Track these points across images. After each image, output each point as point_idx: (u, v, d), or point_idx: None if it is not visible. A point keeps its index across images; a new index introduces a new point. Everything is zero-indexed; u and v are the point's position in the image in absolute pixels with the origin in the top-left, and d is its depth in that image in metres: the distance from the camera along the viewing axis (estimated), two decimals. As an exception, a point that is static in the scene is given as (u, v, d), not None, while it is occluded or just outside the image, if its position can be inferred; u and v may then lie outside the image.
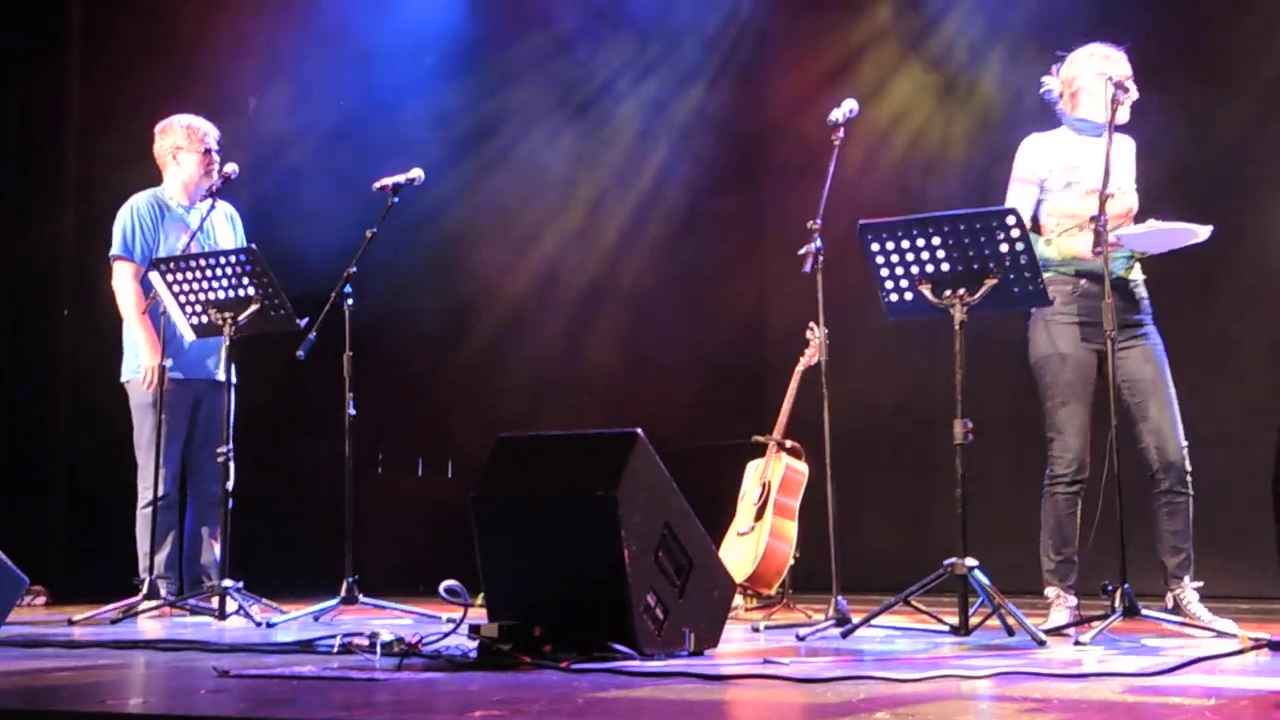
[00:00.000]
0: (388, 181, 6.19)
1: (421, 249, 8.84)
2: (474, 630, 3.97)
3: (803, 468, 6.84)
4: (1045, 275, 5.32)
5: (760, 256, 9.01)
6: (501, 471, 4.45)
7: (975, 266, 5.03)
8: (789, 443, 6.87)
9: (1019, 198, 5.50)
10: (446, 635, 4.09)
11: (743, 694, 3.33)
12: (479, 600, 4.48)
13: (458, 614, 4.20)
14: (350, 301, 6.02)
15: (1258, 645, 4.47)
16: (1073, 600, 5.35)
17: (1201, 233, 5.25)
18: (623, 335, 9.18)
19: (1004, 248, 4.97)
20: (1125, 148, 5.57)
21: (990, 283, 5.03)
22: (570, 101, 9.26)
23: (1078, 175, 5.44)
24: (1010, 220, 4.97)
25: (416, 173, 6.23)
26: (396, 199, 6.17)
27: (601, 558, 4.09)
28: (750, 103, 9.43)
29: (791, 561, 6.73)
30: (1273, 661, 4.03)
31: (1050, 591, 5.42)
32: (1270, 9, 8.07)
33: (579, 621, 4.08)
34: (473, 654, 3.92)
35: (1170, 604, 5.34)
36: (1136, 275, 5.53)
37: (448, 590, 4.18)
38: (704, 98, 9.19)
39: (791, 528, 6.76)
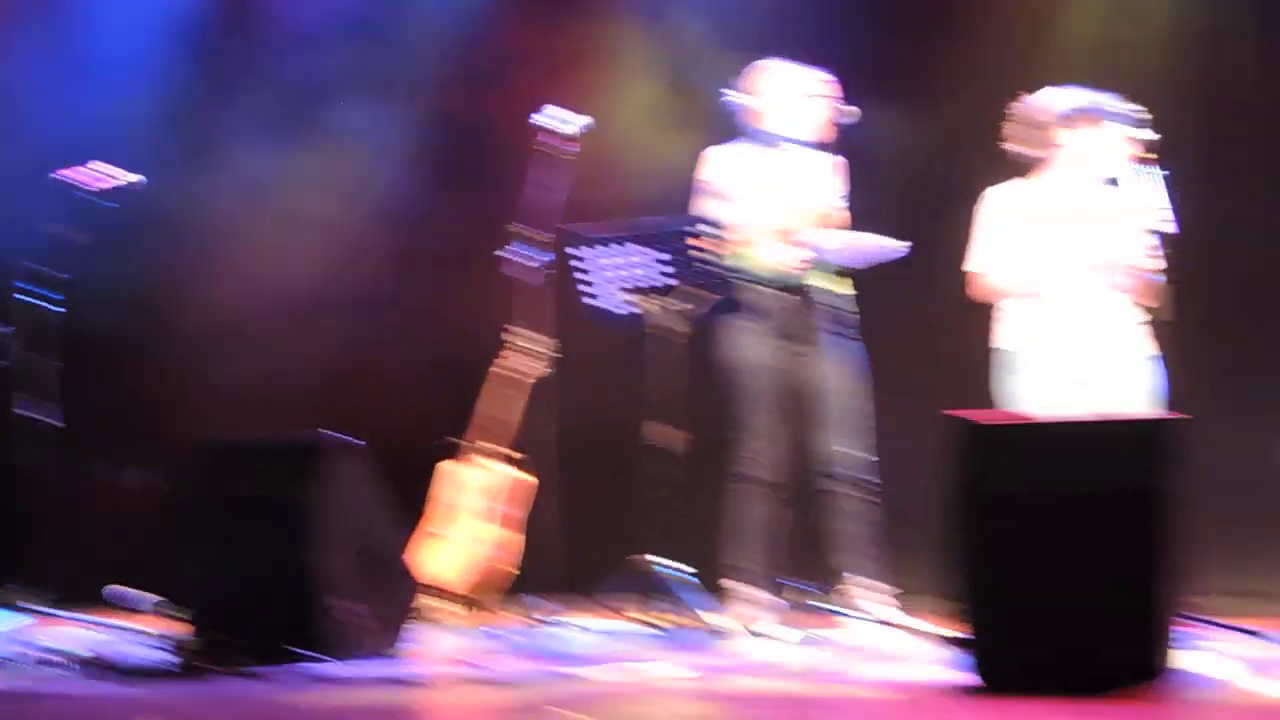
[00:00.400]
0: (92, 178, 5.87)
1: (140, 255, 8.55)
2: (171, 641, 3.88)
3: (527, 478, 6.83)
4: (742, 285, 5.47)
5: (487, 264, 8.94)
6: (203, 476, 4.34)
7: (675, 274, 5.12)
8: (512, 453, 6.86)
9: (711, 208, 5.61)
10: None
11: (435, 696, 3.32)
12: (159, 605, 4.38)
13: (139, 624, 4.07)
14: (60, 309, 5.77)
15: (941, 639, 4.67)
16: (759, 596, 5.41)
17: (898, 248, 5.39)
18: (349, 341, 9.02)
19: (700, 257, 5.08)
20: (826, 163, 5.70)
21: (689, 290, 5.13)
22: (299, 105, 9.08)
23: (771, 188, 5.54)
24: (704, 230, 5.08)
25: (134, 177, 5.96)
26: (114, 204, 5.92)
27: (294, 562, 4.02)
28: (483, 112, 9.39)
29: (514, 571, 6.71)
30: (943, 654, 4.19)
31: (734, 586, 5.52)
32: (970, 32, 8.48)
33: (273, 627, 3.99)
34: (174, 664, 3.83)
35: (851, 601, 5.52)
36: (834, 286, 5.65)
37: (111, 595, 4.06)
38: (435, 104, 9.14)
39: (515, 539, 6.75)
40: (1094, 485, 3.34)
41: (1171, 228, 4.95)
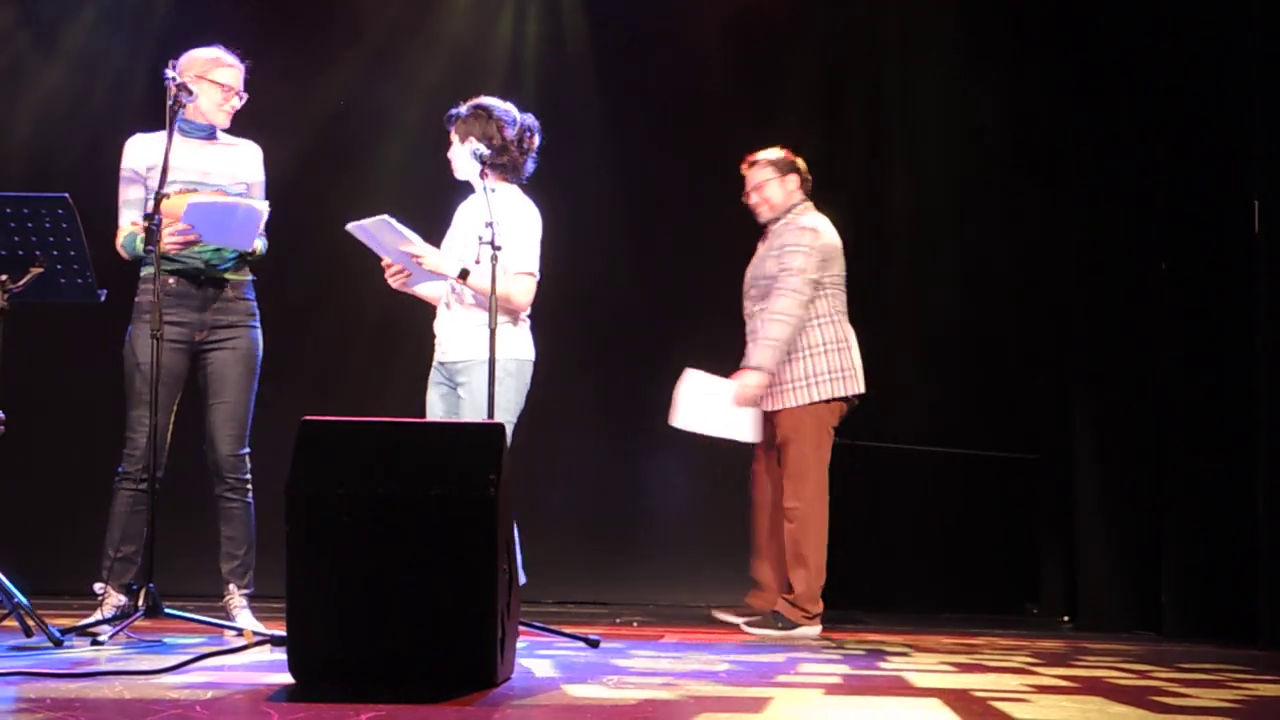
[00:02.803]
0: None
1: None
2: None
3: None
4: (146, 272, 5.37)
5: None
6: None
7: (20, 252, 4.94)
8: None
9: (127, 194, 5.49)
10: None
11: None
12: None
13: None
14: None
15: (262, 641, 4.73)
16: (122, 599, 5.32)
17: (259, 209, 5.35)
18: None
19: (52, 237, 4.92)
20: (242, 152, 5.67)
21: (35, 271, 4.96)
22: None
23: (176, 175, 5.39)
24: (61, 210, 4.92)
25: None
26: None
27: None
28: None
29: None
30: (276, 656, 4.24)
31: (100, 588, 5.38)
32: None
33: None
34: None
35: (227, 606, 5.50)
36: (239, 276, 5.61)
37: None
38: None
39: None
40: (424, 488, 3.40)
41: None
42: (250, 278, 5.65)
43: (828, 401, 6.46)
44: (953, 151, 9.03)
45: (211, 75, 5.58)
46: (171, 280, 5.40)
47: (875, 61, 9.15)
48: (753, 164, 6.66)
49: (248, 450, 5.58)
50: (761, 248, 6.64)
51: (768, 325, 6.34)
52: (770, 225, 6.63)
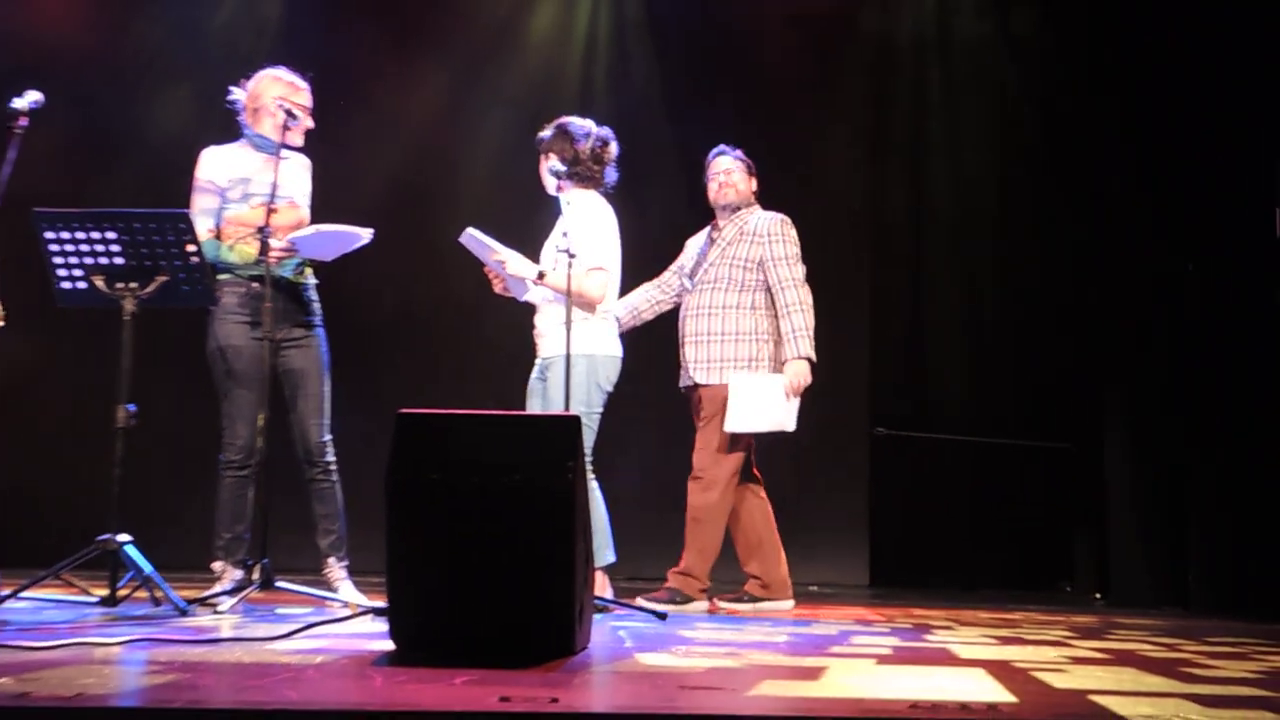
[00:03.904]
0: None
1: None
2: None
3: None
4: (223, 277, 5.45)
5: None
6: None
7: (147, 263, 5.02)
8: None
9: (200, 204, 5.56)
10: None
11: None
12: None
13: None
14: None
15: (364, 612, 4.79)
16: (239, 573, 5.41)
17: (365, 234, 5.43)
18: None
19: (175, 249, 5.01)
20: (298, 166, 5.75)
21: (161, 279, 5.05)
22: None
23: (252, 187, 5.55)
24: (183, 225, 5.01)
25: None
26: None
27: None
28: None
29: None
30: (378, 625, 4.28)
31: (217, 565, 5.48)
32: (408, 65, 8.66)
33: None
34: None
35: (327, 579, 5.58)
36: (307, 280, 5.71)
37: None
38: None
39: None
40: (509, 473, 3.42)
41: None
42: (314, 281, 5.72)
43: None
44: (993, 160, 9.00)
45: (296, 99, 5.64)
46: (254, 285, 5.47)
47: (921, 71, 9.13)
48: (722, 153, 6.50)
49: (331, 436, 5.65)
50: (715, 233, 6.44)
51: (793, 317, 6.15)
52: (728, 213, 6.43)
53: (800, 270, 6.26)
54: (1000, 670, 3.49)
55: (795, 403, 6.19)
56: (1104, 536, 8.19)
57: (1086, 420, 8.50)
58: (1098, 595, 8.34)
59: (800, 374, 6.16)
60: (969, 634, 4.91)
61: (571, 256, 5.37)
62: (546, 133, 5.84)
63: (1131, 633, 5.34)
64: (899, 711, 2.56)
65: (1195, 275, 7.42)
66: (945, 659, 3.84)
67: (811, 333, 6.20)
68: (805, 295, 6.24)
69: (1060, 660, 3.89)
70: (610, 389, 5.68)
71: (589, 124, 5.85)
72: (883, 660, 3.74)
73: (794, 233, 6.32)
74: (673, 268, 6.54)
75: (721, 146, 6.54)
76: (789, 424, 6.18)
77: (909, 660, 3.76)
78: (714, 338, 6.23)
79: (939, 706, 2.62)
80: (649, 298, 6.51)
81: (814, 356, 6.19)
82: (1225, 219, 7.24)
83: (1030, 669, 3.58)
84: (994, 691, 2.98)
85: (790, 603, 6.24)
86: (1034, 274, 8.94)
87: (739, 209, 6.41)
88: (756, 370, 6.17)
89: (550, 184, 5.70)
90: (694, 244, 6.56)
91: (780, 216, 6.37)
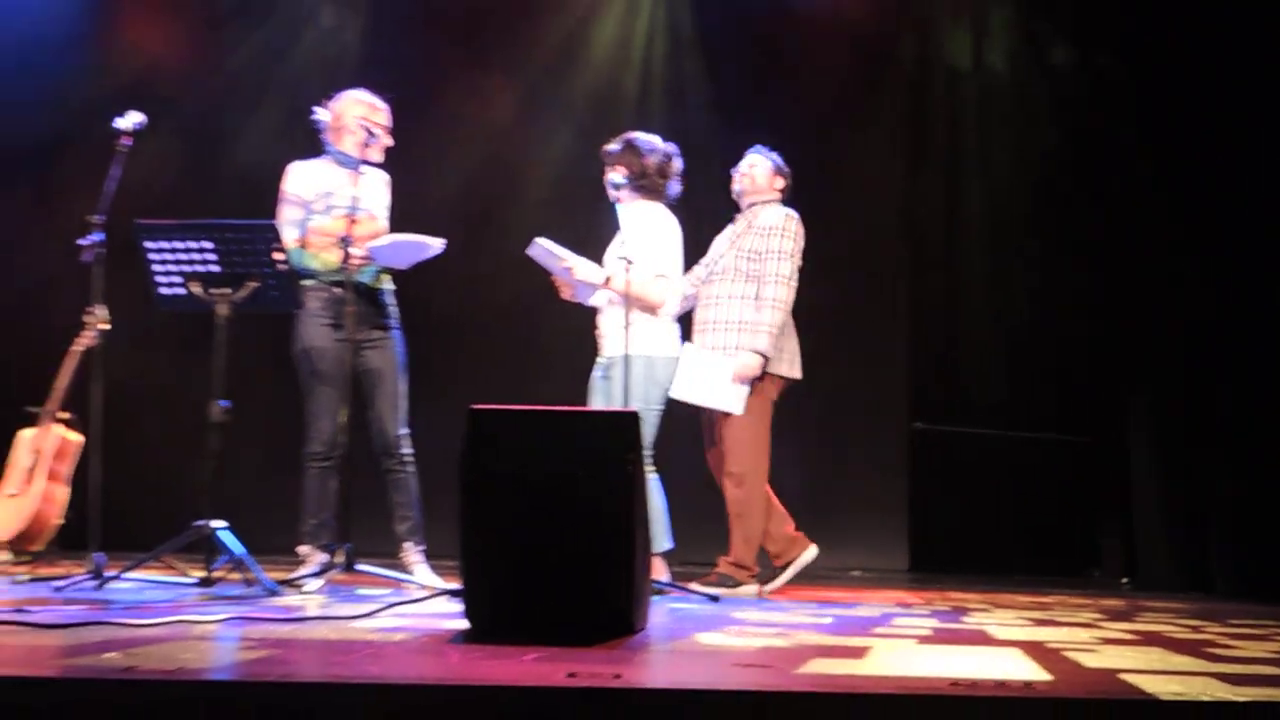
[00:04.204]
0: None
1: None
2: None
3: (75, 437, 6.58)
4: (307, 283, 5.49)
5: (49, 240, 8.51)
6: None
7: (239, 270, 5.07)
8: (62, 414, 6.59)
9: (286, 215, 5.61)
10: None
11: (-12, 638, 3.18)
12: None
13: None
14: None
15: (440, 593, 4.81)
16: (323, 557, 5.46)
17: (437, 244, 5.47)
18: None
19: (264, 257, 5.05)
20: (377, 180, 5.80)
21: (251, 285, 5.09)
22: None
23: (334, 200, 5.60)
24: (271, 234, 5.06)
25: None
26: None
27: None
28: (49, 112, 8.95)
29: (60, 522, 6.46)
30: (453, 606, 4.31)
31: (303, 549, 5.53)
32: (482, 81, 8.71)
33: None
34: None
35: (403, 563, 5.61)
36: (385, 285, 5.75)
37: None
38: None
39: (62, 491, 6.49)
40: (574, 465, 3.44)
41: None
42: (392, 287, 5.75)
43: (770, 377, 6.13)
44: (1023, 171, 8.94)
45: (375, 119, 5.68)
46: (336, 290, 5.51)
47: (955, 90, 9.08)
48: (754, 150, 6.39)
49: (407, 430, 5.67)
50: (732, 225, 6.34)
51: (764, 311, 6.00)
52: (744, 205, 6.33)
53: (788, 267, 6.08)
54: (1034, 650, 3.46)
55: (744, 389, 6.00)
56: (1130, 525, 8.12)
57: (1113, 415, 8.42)
58: (1125, 580, 8.26)
59: (749, 365, 5.94)
60: (1004, 616, 4.88)
61: (630, 263, 5.37)
62: (614, 146, 5.83)
63: (1157, 615, 5.29)
64: (940, 689, 2.54)
65: (1212, 280, 7.35)
66: (982, 640, 3.82)
67: (775, 330, 6.00)
68: (783, 293, 6.06)
69: (1091, 641, 3.86)
70: (669, 386, 5.67)
71: (655, 140, 5.84)
72: (923, 640, 3.72)
73: (797, 228, 6.14)
74: (703, 261, 6.44)
75: (757, 146, 6.44)
76: (736, 408, 5.98)
77: (948, 641, 3.74)
78: (718, 326, 6.09)
79: (977, 684, 2.60)
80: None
81: (769, 354, 5.99)
82: (1242, 225, 7.17)
83: (1063, 649, 3.55)
84: (1029, 670, 2.96)
85: (754, 587, 6.08)
86: (1062, 278, 8.87)
87: (754, 203, 6.30)
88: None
89: (613, 194, 5.69)
90: (719, 238, 6.47)
91: (787, 211, 6.20)
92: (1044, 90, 8.93)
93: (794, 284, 6.11)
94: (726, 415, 6.08)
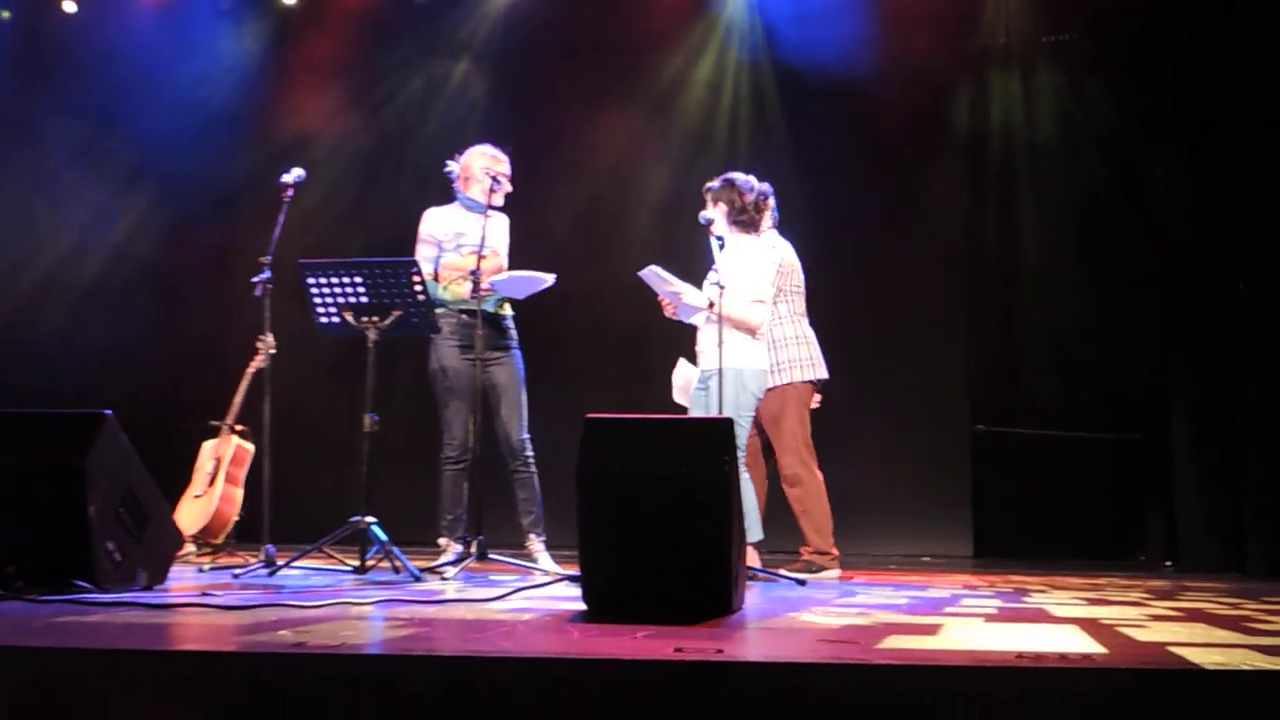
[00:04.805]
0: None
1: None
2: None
3: (249, 446, 6.71)
4: (440, 311, 5.55)
5: (228, 280, 8.71)
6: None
7: (385, 301, 5.14)
8: (239, 426, 6.74)
9: (422, 253, 5.68)
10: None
11: (178, 618, 3.24)
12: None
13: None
14: None
15: (561, 579, 4.83)
16: (459, 547, 5.51)
17: (548, 279, 5.52)
18: (114, 336, 8.72)
19: (407, 289, 5.12)
20: (500, 222, 5.84)
21: (396, 314, 5.16)
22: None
23: (463, 240, 5.66)
24: (413, 270, 5.13)
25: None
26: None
27: (70, 511, 3.88)
28: (232, 163, 9.16)
29: (237, 518, 6.59)
30: (572, 590, 4.31)
31: (442, 541, 5.59)
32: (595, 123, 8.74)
33: (49, 564, 3.85)
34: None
35: (528, 553, 5.64)
36: (506, 312, 5.79)
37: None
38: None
39: (238, 492, 6.63)
40: (677, 466, 3.43)
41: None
42: (512, 313, 5.77)
43: (797, 385, 6.06)
44: (1072, 194, 8.77)
45: (498, 169, 5.73)
46: (464, 316, 5.55)
47: (1009, 119, 8.93)
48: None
49: (529, 435, 5.69)
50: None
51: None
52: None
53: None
54: (1090, 626, 3.38)
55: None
56: (1172, 513, 7.91)
57: (1156, 413, 8.22)
58: (1168, 563, 8.04)
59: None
60: (1061, 596, 4.78)
61: (722, 289, 5.34)
62: (715, 184, 5.78)
63: (1199, 594, 5.14)
64: (1007, 661, 2.49)
65: (1246, 291, 7.16)
66: (1043, 617, 3.74)
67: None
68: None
69: (1141, 618, 3.76)
70: (760, 395, 5.62)
71: (752, 179, 5.80)
72: (990, 619, 3.65)
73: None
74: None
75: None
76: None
77: (1012, 619, 3.67)
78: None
79: (1041, 656, 2.55)
80: None
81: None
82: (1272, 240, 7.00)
83: (1116, 625, 3.47)
84: (1086, 644, 2.89)
85: (836, 571, 5.97)
86: (1110, 290, 8.67)
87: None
88: (782, 371, 6.02)
89: (712, 227, 5.65)
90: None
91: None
92: (1093, 118, 8.74)
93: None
94: (773, 426, 6.01)
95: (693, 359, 5.73)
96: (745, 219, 5.70)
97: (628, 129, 9.06)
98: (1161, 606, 4.30)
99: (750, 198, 5.70)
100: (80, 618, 3.11)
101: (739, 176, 5.77)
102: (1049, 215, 8.85)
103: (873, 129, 8.71)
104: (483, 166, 5.71)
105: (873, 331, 8.44)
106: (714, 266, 5.48)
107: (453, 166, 5.83)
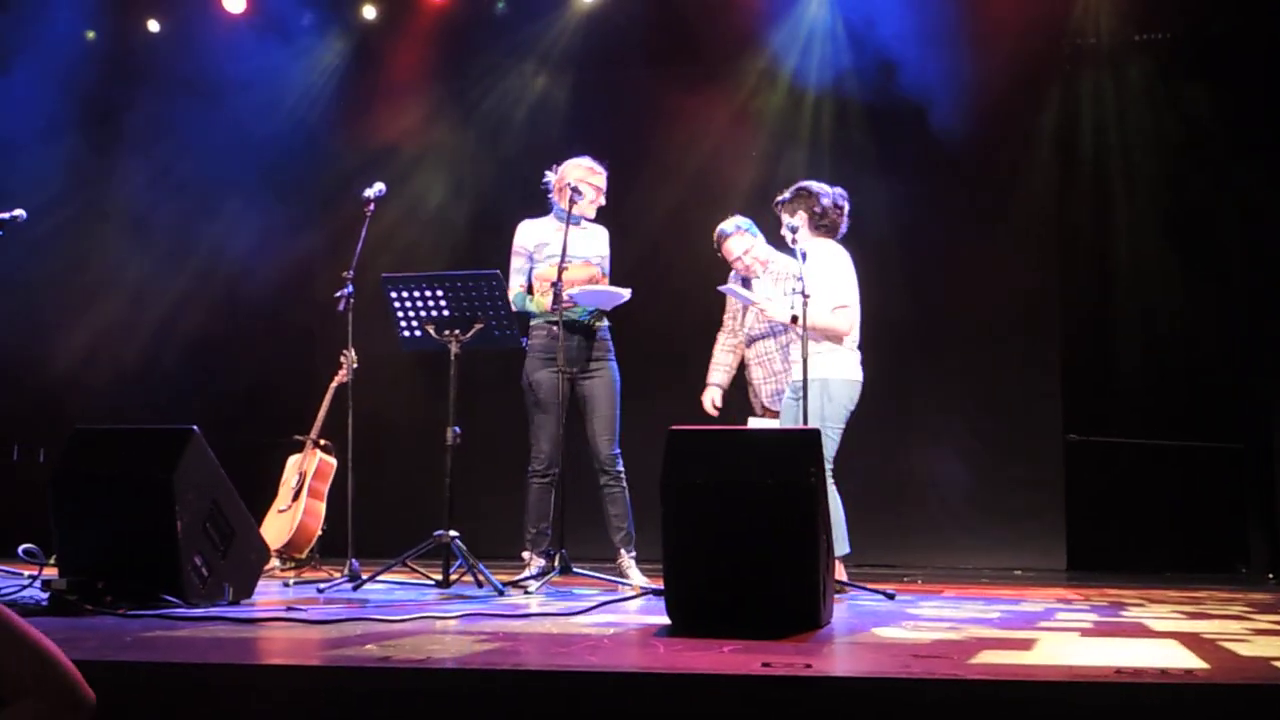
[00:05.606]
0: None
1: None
2: (45, 584, 3.76)
3: (332, 460, 6.80)
4: (534, 323, 5.58)
5: (311, 295, 8.83)
6: (75, 456, 4.20)
7: (468, 314, 5.19)
8: (322, 440, 6.83)
9: (515, 265, 5.72)
10: (22, 589, 3.85)
11: (265, 632, 3.29)
12: (52, 559, 4.23)
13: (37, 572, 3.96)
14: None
15: (645, 592, 4.81)
16: (543, 561, 5.52)
17: (624, 293, 5.52)
18: (200, 351, 8.92)
19: (489, 302, 5.15)
20: (597, 234, 5.85)
21: (478, 326, 5.20)
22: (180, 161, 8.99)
23: (550, 250, 5.65)
24: (494, 282, 5.16)
25: (17, 212, 5.44)
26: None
27: (158, 526, 3.97)
28: (314, 178, 9.32)
29: (320, 533, 6.68)
30: (656, 603, 4.31)
31: (526, 555, 5.61)
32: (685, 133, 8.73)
33: (137, 578, 3.93)
34: (44, 603, 3.71)
35: (619, 566, 5.63)
36: (601, 323, 5.79)
37: (25, 551, 3.95)
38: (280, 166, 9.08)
39: (321, 507, 6.71)
40: (763, 478, 3.40)
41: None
42: (607, 324, 5.77)
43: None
44: (1164, 196, 8.59)
45: (591, 180, 5.74)
46: (556, 328, 5.56)
47: (1101, 120, 8.76)
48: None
49: (619, 450, 5.69)
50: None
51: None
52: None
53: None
54: (1191, 641, 3.30)
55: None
56: (1274, 524, 7.70)
57: (1256, 421, 8.02)
58: (1271, 575, 7.83)
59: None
60: (1160, 610, 4.67)
61: (806, 297, 5.30)
62: (786, 195, 5.77)
63: (1306, 609, 4.99)
64: (1105, 676, 2.44)
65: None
66: (1141, 631, 3.66)
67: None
68: None
69: (1243, 632, 3.67)
70: (851, 407, 5.55)
71: (825, 185, 5.78)
72: (1086, 633, 3.58)
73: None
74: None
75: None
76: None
77: (1109, 633, 3.59)
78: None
79: (1141, 671, 2.49)
80: None
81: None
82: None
83: (1217, 639, 3.38)
84: (1187, 659, 2.82)
85: None
86: (1205, 295, 8.48)
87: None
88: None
89: (789, 236, 5.62)
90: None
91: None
92: (1186, 118, 8.55)
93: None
94: None
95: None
96: (827, 223, 5.68)
97: (712, 135, 9.04)
98: (1265, 620, 4.19)
99: (827, 201, 5.68)
100: (169, 632, 3.17)
101: (810, 183, 5.75)
102: (1141, 218, 8.68)
103: (961, 131, 8.59)
104: (577, 178, 5.71)
105: (962, 339, 8.34)
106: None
107: (550, 177, 5.84)
